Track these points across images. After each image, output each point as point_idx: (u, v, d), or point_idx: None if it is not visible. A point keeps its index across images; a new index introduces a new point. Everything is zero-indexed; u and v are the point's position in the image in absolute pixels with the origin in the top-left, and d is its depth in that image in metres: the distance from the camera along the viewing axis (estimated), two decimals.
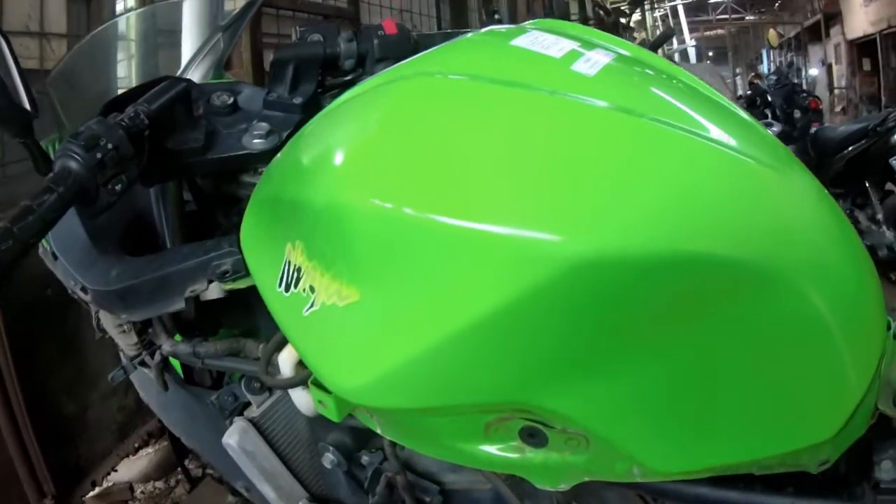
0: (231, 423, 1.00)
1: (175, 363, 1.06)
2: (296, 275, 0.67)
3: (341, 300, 0.62)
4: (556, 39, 0.73)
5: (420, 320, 0.58)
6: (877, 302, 0.64)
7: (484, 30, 0.87)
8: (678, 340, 0.57)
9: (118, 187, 0.66)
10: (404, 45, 1.07)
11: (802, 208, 0.63)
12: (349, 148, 0.69)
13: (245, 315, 0.99)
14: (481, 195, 0.58)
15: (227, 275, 0.78)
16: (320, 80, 1.01)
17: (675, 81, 0.74)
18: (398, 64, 0.79)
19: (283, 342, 0.76)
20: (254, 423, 0.97)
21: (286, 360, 0.75)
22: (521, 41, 0.74)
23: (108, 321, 0.92)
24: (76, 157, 0.62)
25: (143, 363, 0.96)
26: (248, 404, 1.03)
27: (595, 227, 0.54)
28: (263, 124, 0.90)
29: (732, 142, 0.62)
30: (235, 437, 0.94)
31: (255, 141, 0.89)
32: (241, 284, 0.79)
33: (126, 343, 0.92)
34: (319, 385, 0.71)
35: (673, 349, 0.57)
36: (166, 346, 0.90)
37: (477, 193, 0.58)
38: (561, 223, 0.54)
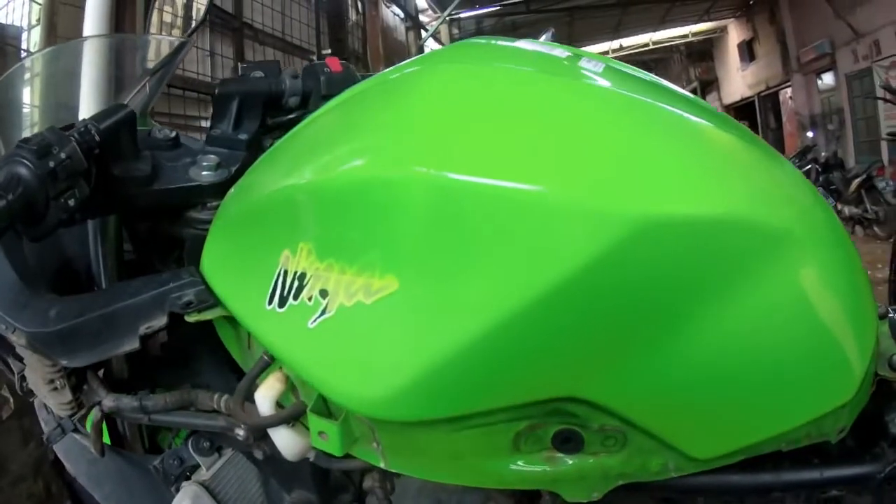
0: (177, 490, 0.90)
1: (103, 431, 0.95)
2: (296, 283, 0.61)
3: (370, 296, 0.57)
4: (550, 47, 0.74)
5: (469, 302, 0.54)
6: (860, 265, 0.67)
7: (475, 39, 0.86)
8: (718, 311, 0.56)
9: (71, 202, 0.59)
10: (350, 83, 1.06)
11: (793, 177, 0.67)
12: (379, 128, 0.65)
13: (182, 370, 0.91)
14: (538, 163, 0.57)
15: (192, 305, 0.71)
16: (262, 119, 0.97)
17: (659, 84, 0.76)
18: (401, 64, 0.77)
19: (254, 380, 0.69)
20: (205, 487, 0.87)
21: (265, 398, 0.68)
22: (522, 44, 0.75)
23: (36, 379, 0.81)
24: (26, 162, 0.56)
25: (74, 429, 0.85)
26: (195, 468, 0.93)
27: (650, 193, 0.55)
28: (212, 156, 0.85)
29: (723, 123, 0.67)
30: (188, 503, 0.83)
31: (204, 173, 0.84)
32: (208, 315, 0.72)
33: (58, 402, 0.81)
34: (319, 414, 0.64)
35: (713, 320, 0.56)
36: (107, 401, 0.80)
37: (533, 161, 0.57)
38: (619, 190, 0.55)
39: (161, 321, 0.70)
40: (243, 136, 0.92)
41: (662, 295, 0.55)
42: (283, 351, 0.64)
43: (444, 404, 0.57)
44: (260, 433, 0.73)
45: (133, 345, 0.71)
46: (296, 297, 0.61)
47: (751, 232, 0.56)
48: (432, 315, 0.56)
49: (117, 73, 1.10)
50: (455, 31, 12.90)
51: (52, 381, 0.81)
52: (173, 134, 0.87)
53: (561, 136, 0.59)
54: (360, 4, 8.58)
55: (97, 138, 0.67)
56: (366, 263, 0.58)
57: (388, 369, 0.57)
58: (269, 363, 0.69)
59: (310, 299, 0.60)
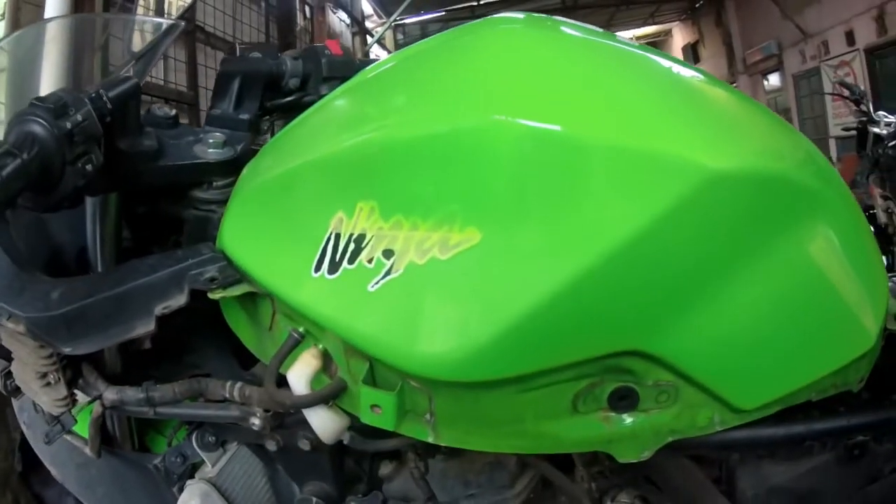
0: (180, 490, 0.85)
1: (83, 431, 0.88)
2: (352, 247, 0.59)
3: (447, 251, 0.55)
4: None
5: (555, 250, 0.54)
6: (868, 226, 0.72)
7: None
8: (766, 262, 0.59)
9: (88, 167, 0.55)
10: (350, 67, 1.03)
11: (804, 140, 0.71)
12: (450, 83, 0.63)
13: (178, 362, 0.86)
14: (616, 113, 0.58)
15: (216, 281, 0.66)
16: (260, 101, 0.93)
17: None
18: (445, 32, 0.75)
19: (284, 360, 0.66)
20: (213, 484, 0.82)
21: (300, 376, 0.64)
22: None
23: (25, 375, 0.74)
24: (41, 122, 0.51)
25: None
26: (198, 465, 0.88)
27: (720, 147, 0.58)
28: (218, 134, 0.82)
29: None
30: (196, 502, 0.78)
31: (211, 151, 0.80)
32: (235, 291, 0.67)
33: (52, 399, 0.75)
34: (373, 385, 0.61)
35: (761, 271, 0.59)
36: (109, 394, 0.74)
37: (612, 112, 0.58)
38: (694, 142, 0.57)
39: (180, 300, 0.66)
40: (244, 117, 0.89)
41: (724, 245, 0.58)
42: (335, 319, 0.61)
43: (519, 361, 0.56)
44: (286, 419, 0.69)
45: (148, 327, 0.66)
46: (352, 261, 0.59)
47: (794, 189, 0.61)
48: (515, 266, 0.55)
49: (102, 55, 1.04)
50: (400, 36, 12.96)
51: (44, 376, 0.75)
52: (173, 112, 0.83)
53: (633, 90, 0.61)
54: (308, 9, 8.55)
55: (109, 105, 0.63)
56: (443, 217, 0.56)
57: (463, 327, 0.55)
58: (299, 340, 0.66)
59: (370, 261, 0.58)
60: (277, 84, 0.96)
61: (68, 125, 0.54)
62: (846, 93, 3.50)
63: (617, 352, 0.59)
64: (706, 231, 0.56)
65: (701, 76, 0.69)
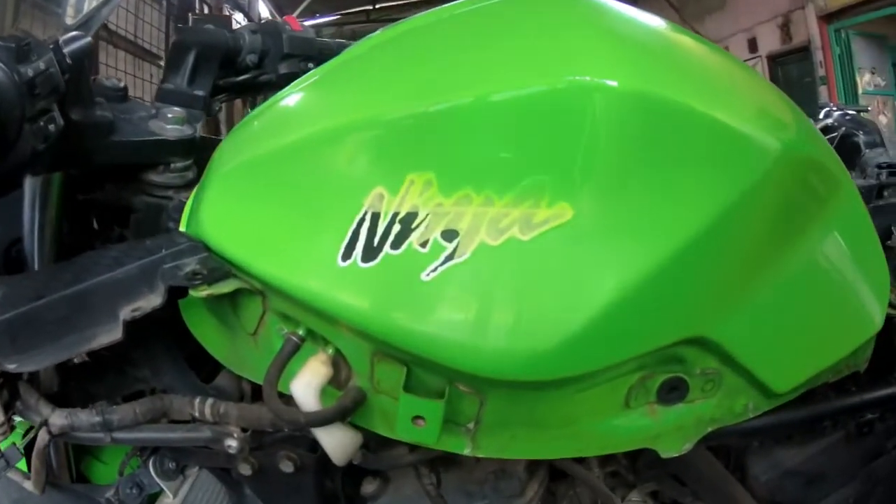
0: None
1: (21, 464, 0.75)
2: (397, 228, 0.50)
3: (530, 230, 0.48)
4: None
5: (650, 230, 0.49)
6: None
7: None
8: (806, 243, 0.59)
9: (50, 128, 0.44)
10: (311, 44, 0.95)
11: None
12: (518, 40, 0.55)
13: (124, 378, 0.73)
14: (709, 84, 0.55)
15: (199, 276, 0.55)
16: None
17: None
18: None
19: (283, 368, 0.56)
20: None
21: (308, 387, 0.54)
22: None
23: None
24: (1, 65, 0.40)
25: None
26: (155, 496, 0.76)
27: (782, 125, 0.57)
28: (177, 109, 0.71)
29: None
30: None
31: (170, 127, 0.69)
32: (224, 288, 0.56)
33: None
34: (414, 394, 0.53)
35: (802, 252, 0.59)
36: (57, 419, 0.61)
37: (705, 81, 0.55)
38: (767, 120, 0.56)
39: (153, 300, 0.55)
40: (200, 93, 0.78)
41: (782, 226, 0.56)
42: (373, 317, 0.51)
43: (595, 356, 0.50)
44: (265, 437, 0.59)
45: (113, 335, 0.54)
46: (397, 245, 0.50)
47: (826, 173, 0.61)
48: (608, 247, 0.49)
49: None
50: None
51: None
52: (122, 84, 0.71)
53: (708, 63, 0.59)
54: (206, 9, 8.34)
55: (68, 61, 0.51)
56: (527, 190, 0.48)
57: (542, 319, 0.48)
58: (299, 344, 0.56)
59: (423, 244, 0.49)
60: (233, 60, 0.86)
61: (30, 72, 0.43)
62: None
63: (681, 340, 0.55)
64: (774, 210, 0.55)
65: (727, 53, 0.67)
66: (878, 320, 0.66)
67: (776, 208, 0.55)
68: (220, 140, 0.85)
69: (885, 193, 2.46)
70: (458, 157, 0.50)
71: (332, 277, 0.51)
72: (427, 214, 0.49)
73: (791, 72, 7.50)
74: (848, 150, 2.70)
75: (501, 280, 0.49)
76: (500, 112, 0.50)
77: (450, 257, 0.49)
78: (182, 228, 0.60)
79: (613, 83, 0.49)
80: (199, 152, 0.73)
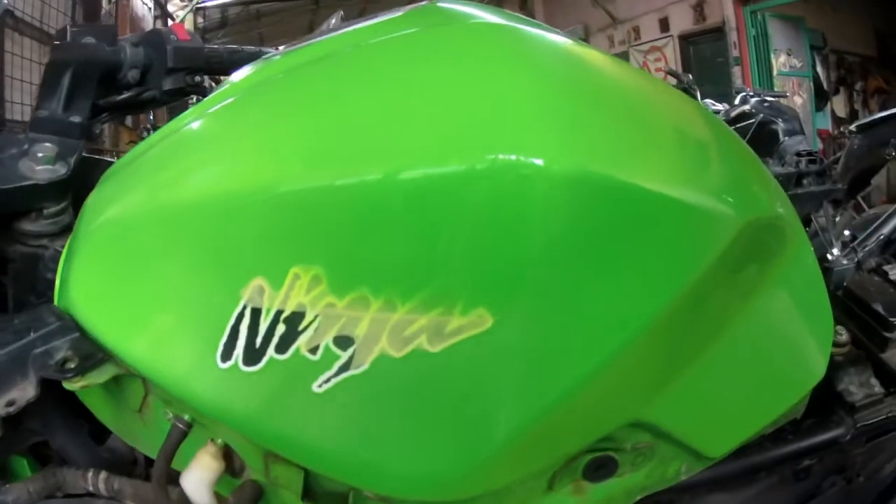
0: None
1: None
2: (283, 329, 0.43)
3: (441, 340, 0.42)
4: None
5: (584, 335, 0.43)
6: None
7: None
8: (749, 309, 0.55)
9: None
10: (199, 55, 0.87)
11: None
12: (429, 107, 0.46)
13: (17, 427, 0.66)
14: (661, 160, 0.48)
15: (71, 366, 0.47)
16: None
17: None
18: (377, 22, 0.58)
19: (171, 457, 0.49)
20: None
21: (199, 483, 0.48)
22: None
23: None
24: None
25: None
26: None
27: (749, 189, 0.54)
28: (48, 145, 0.62)
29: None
30: None
31: (40, 168, 0.61)
32: (98, 378, 0.49)
33: None
34: (315, 501, 0.47)
35: (744, 319, 0.54)
36: None
37: (655, 148, 0.49)
38: (725, 190, 0.50)
39: (27, 391, 0.47)
40: (76, 119, 0.70)
41: (730, 296, 0.52)
42: (260, 426, 0.45)
43: (516, 468, 0.46)
44: None
45: None
46: (283, 350, 0.43)
47: (775, 230, 0.56)
48: (533, 357, 0.43)
49: None
50: (200, 20, 12.43)
51: None
52: None
53: (653, 124, 0.52)
54: None
55: None
56: (437, 294, 0.42)
57: (457, 439, 0.43)
58: (186, 431, 0.50)
59: (313, 350, 0.43)
60: (114, 76, 0.78)
61: None
62: (673, 81, 3.68)
63: (624, 425, 0.51)
64: (725, 284, 0.50)
65: (678, 95, 0.62)
66: (820, 371, 0.63)
67: (727, 282, 0.50)
68: (107, 161, 0.77)
69: (804, 182, 2.55)
70: (352, 249, 0.43)
71: (212, 379, 0.44)
72: (316, 316, 0.43)
73: (703, 51, 7.58)
74: (766, 138, 2.77)
75: (405, 396, 0.43)
76: (406, 195, 0.43)
77: (345, 367, 0.43)
78: (56, 296, 0.52)
79: (545, 162, 0.42)
80: (83, 180, 0.66)
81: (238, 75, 0.63)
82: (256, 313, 0.43)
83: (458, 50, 0.50)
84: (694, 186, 0.48)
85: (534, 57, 0.50)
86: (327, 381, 0.43)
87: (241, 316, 0.43)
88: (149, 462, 0.65)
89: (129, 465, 0.66)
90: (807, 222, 2.37)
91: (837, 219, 2.36)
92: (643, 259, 0.45)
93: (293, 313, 0.43)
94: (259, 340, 0.43)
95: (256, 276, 0.43)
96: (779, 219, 0.55)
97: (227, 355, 0.43)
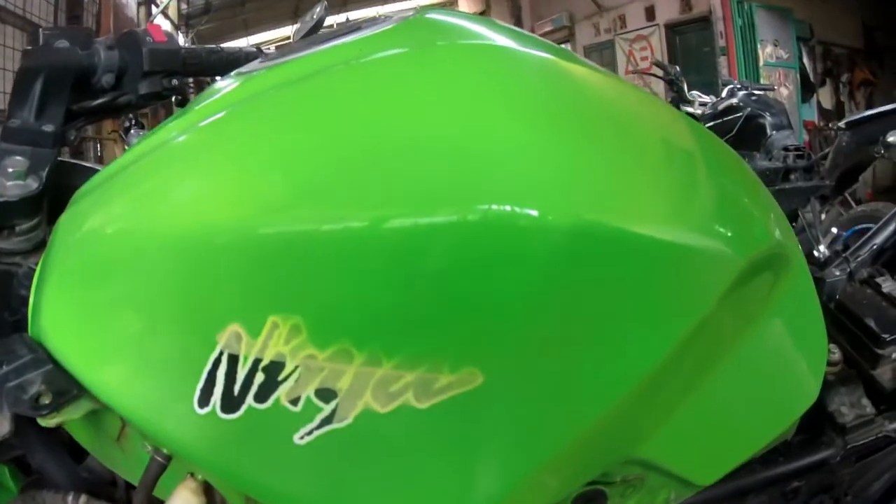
0: None
1: None
2: (262, 378, 0.41)
3: (428, 397, 0.40)
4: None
5: (580, 391, 0.42)
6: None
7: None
8: (743, 341, 0.54)
9: None
10: (174, 56, 0.84)
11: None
12: (421, 147, 0.43)
13: None
14: (659, 201, 0.46)
15: (44, 402, 0.45)
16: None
17: None
18: (333, 43, 0.55)
19: (151, 491, 0.48)
20: None
21: None
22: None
23: None
24: None
25: None
26: None
27: (753, 222, 0.53)
28: (18, 158, 0.60)
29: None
30: None
31: (10, 183, 0.59)
32: (75, 413, 0.47)
33: None
34: None
35: (739, 350, 0.54)
36: None
37: (653, 199, 0.46)
38: (723, 226, 0.49)
39: (2, 427, 0.45)
40: (49, 128, 0.67)
41: (729, 330, 0.51)
42: (239, 475, 0.43)
43: None
44: None
45: None
46: (262, 399, 0.41)
47: (774, 260, 0.54)
48: (527, 416, 0.41)
49: None
50: (184, 6, 12.20)
51: None
52: None
53: (652, 162, 0.49)
54: None
55: None
56: (424, 352, 0.40)
57: (446, 496, 0.42)
58: (165, 465, 0.48)
59: (294, 402, 0.41)
60: (88, 81, 0.75)
61: None
62: (660, 73, 3.64)
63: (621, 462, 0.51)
64: (728, 321, 0.49)
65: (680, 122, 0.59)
66: (813, 394, 0.62)
67: (727, 319, 0.49)
68: (83, 166, 0.74)
69: (792, 177, 2.55)
70: (334, 300, 0.41)
71: (190, 424, 0.42)
72: (296, 367, 0.41)
73: (689, 41, 7.55)
74: (753, 132, 2.76)
75: (389, 452, 0.41)
76: (393, 245, 0.40)
77: (327, 421, 0.41)
78: (29, 324, 0.50)
79: (540, 213, 0.40)
80: (59, 188, 0.63)
81: (227, 84, 0.60)
82: (234, 360, 0.41)
83: (448, 82, 0.47)
84: (694, 227, 0.46)
85: (523, 91, 0.48)
86: (309, 433, 0.41)
87: (217, 362, 0.41)
88: (129, 484, 0.64)
89: (109, 486, 0.64)
90: (793, 217, 2.38)
91: (824, 215, 2.36)
92: (642, 310, 0.43)
93: (272, 362, 0.41)
94: (237, 388, 0.41)
95: (233, 321, 0.41)
96: (779, 247, 0.54)
97: (204, 401, 0.41)
